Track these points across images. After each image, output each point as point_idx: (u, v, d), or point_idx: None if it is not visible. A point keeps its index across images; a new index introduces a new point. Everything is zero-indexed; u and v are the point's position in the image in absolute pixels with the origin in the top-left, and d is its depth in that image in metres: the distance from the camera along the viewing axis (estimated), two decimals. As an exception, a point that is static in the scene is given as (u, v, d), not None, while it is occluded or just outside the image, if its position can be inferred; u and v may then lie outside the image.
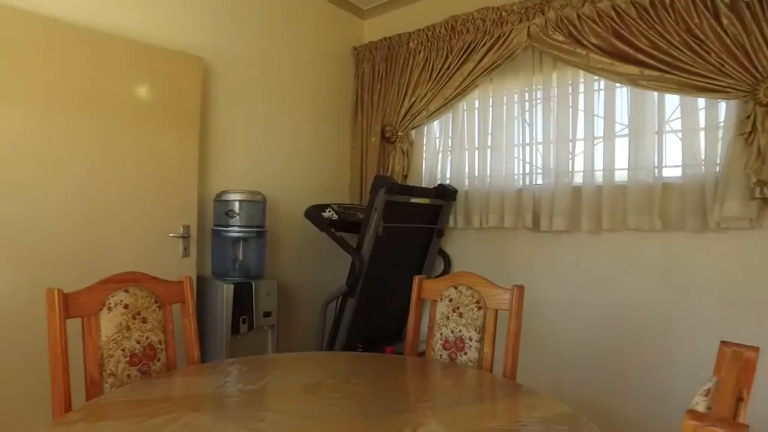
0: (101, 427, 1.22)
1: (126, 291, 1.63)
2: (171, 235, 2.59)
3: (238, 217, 2.73)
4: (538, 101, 3.08)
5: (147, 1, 2.67)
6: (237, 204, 2.73)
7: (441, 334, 1.96)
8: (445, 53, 3.40)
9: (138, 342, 1.62)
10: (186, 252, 2.64)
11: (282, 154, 3.39)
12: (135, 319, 1.62)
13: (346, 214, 3.12)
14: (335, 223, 3.03)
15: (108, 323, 1.56)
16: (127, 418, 1.27)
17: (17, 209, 2.16)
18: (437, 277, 2.31)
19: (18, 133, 2.17)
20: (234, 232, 2.74)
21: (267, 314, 2.78)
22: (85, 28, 2.37)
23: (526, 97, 3.13)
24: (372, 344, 3.11)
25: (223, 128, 3.03)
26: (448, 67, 3.35)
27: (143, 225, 2.50)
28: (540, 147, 3.05)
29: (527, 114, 3.12)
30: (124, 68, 2.47)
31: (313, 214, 2.97)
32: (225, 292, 2.60)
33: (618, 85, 2.71)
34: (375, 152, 3.73)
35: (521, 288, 1.84)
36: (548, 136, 2.99)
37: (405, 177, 3.66)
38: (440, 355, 1.95)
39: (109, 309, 1.57)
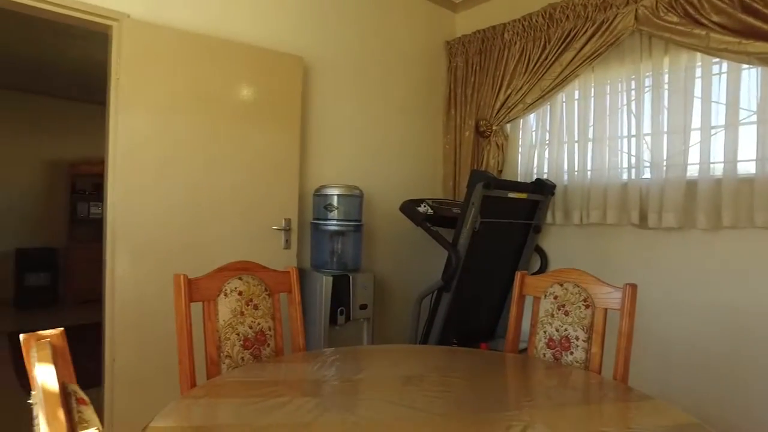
0: (223, 404, 1.31)
1: (240, 279, 1.74)
2: (274, 227, 2.73)
3: (336, 211, 2.81)
4: (647, 89, 2.87)
5: (252, 7, 2.83)
6: (335, 198, 2.82)
7: (545, 332, 1.89)
8: (542, 43, 3.27)
9: (250, 327, 1.72)
10: (287, 244, 2.77)
11: (376, 150, 3.44)
12: (248, 305, 1.73)
13: (441, 209, 3.10)
14: (430, 217, 3.03)
15: (225, 308, 1.68)
16: (245, 398, 1.35)
17: (143, 204, 2.38)
18: (535, 273, 2.23)
19: (145, 134, 2.39)
20: (332, 225, 2.83)
21: (363, 307, 2.84)
22: (200, 35, 2.56)
23: (633, 86, 2.93)
24: (466, 340, 3.08)
25: (321, 125, 3.14)
26: (546, 58, 3.22)
27: (249, 218, 2.66)
28: (648, 138, 2.84)
29: (633, 103, 2.92)
30: (233, 70, 2.64)
31: (409, 208, 2.99)
32: (324, 283, 2.69)
33: (745, 66, 2.46)
34: (469, 147, 3.68)
35: (634, 287, 1.73)
36: (658, 126, 2.78)
37: (500, 172, 3.58)
38: (543, 354, 1.88)
39: (226, 295, 1.69)
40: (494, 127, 3.54)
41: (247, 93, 2.68)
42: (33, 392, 0.64)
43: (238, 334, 1.68)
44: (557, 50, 3.16)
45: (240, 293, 1.72)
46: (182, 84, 2.48)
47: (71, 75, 5.95)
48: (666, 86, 2.77)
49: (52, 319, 6.01)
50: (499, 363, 1.80)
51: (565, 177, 3.24)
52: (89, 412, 0.64)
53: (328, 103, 3.17)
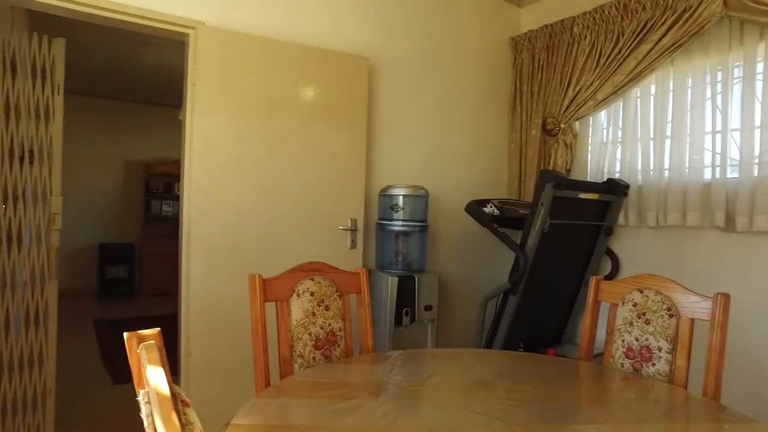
0: (298, 404, 1.34)
1: (312, 279, 1.77)
2: (340, 227, 2.76)
3: (402, 211, 2.81)
4: (736, 80, 2.67)
5: (319, 9, 2.87)
6: (401, 198, 2.82)
7: (623, 341, 1.80)
8: (615, 36, 3.11)
9: (322, 328, 1.74)
10: (353, 244, 2.79)
11: (440, 149, 3.41)
12: (319, 306, 1.75)
13: (507, 210, 3.03)
14: (496, 218, 2.96)
15: (297, 308, 1.71)
16: (319, 399, 1.37)
17: (216, 203, 2.47)
18: (605, 277, 2.13)
19: (218, 136, 2.48)
20: (398, 225, 2.83)
21: (428, 308, 2.82)
22: (269, 39, 2.62)
23: (719, 77, 2.73)
24: (532, 344, 3.00)
25: (386, 125, 3.14)
26: (620, 51, 3.07)
27: (316, 218, 2.71)
28: (736, 134, 2.64)
29: (719, 97, 2.73)
30: (301, 73, 2.69)
31: (475, 209, 2.94)
32: (390, 284, 2.70)
33: None
34: (535, 145, 3.57)
35: (726, 296, 1.61)
36: (749, 121, 2.58)
37: (568, 171, 3.45)
38: (621, 364, 1.79)
39: (298, 295, 1.72)
40: (562, 125, 3.42)
41: (315, 94, 2.73)
42: (142, 391, 0.67)
43: (309, 334, 1.71)
44: (632, 43, 3.00)
45: (312, 294, 1.75)
46: (253, 87, 2.55)
47: (146, 81, 6.29)
48: (760, 76, 2.57)
49: (129, 308, 6.40)
50: (573, 371, 1.73)
51: (639, 177, 3.07)
52: (192, 414, 0.67)
53: (392, 102, 3.17)
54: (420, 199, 2.88)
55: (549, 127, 3.48)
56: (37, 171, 2.65)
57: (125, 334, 0.87)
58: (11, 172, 2.55)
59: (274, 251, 2.59)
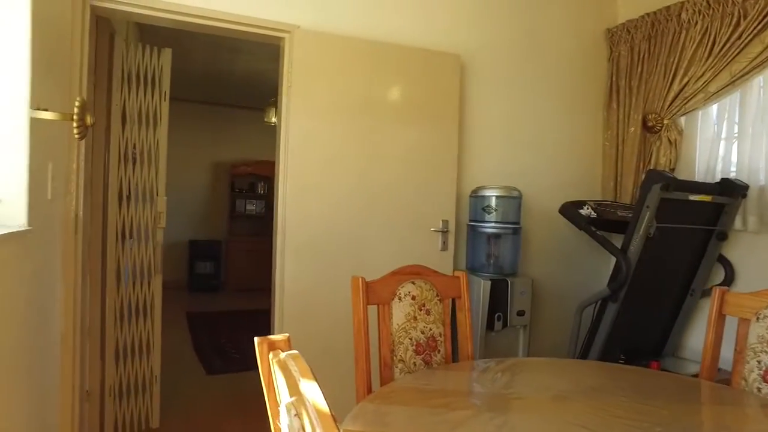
0: (405, 411, 1.31)
1: (413, 283, 1.74)
2: (432, 229, 2.72)
3: (494, 212, 2.72)
4: None
5: (409, 8, 2.84)
6: (493, 200, 2.73)
7: (759, 362, 1.62)
8: (734, 20, 2.83)
9: (422, 333, 1.71)
10: (444, 246, 2.74)
11: (530, 149, 3.27)
12: (420, 310, 1.72)
13: (605, 212, 2.86)
14: (593, 221, 2.80)
15: (398, 312, 1.68)
16: (427, 407, 1.33)
17: (309, 203, 2.52)
18: (716, 287, 1.93)
19: (311, 137, 2.52)
20: (490, 227, 2.75)
21: (520, 313, 2.72)
22: (361, 39, 2.63)
23: None
24: (632, 356, 2.80)
25: (476, 124, 3.06)
26: (740, 36, 2.79)
27: (407, 218, 2.68)
28: None
29: None
30: (392, 72, 2.67)
31: (570, 210, 2.80)
32: (482, 287, 2.62)
33: None
34: (634, 143, 3.34)
35: None
36: None
37: (672, 171, 3.19)
38: (757, 388, 1.61)
39: (400, 299, 1.70)
40: (665, 121, 3.17)
41: (408, 94, 2.70)
42: (287, 400, 0.66)
43: (410, 339, 1.68)
44: (756, 26, 2.72)
45: (413, 298, 1.72)
46: (345, 88, 2.57)
47: (235, 86, 6.60)
48: None
49: (216, 302, 6.73)
50: (699, 391, 1.58)
51: (761, 176, 2.78)
52: None
53: (482, 100, 3.08)
54: (513, 200, 2.77)
55: (650, 124, 3.24)
56: (146, 172, 2.82)
57: (256, 339, 0.87)
58: (125, 173, 2.74)
59: (366, 252, 2.60)
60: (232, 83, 6.48)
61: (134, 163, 2.78)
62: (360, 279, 1.61)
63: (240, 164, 7.63)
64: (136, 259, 2.80)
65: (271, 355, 0.80)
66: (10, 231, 1.46)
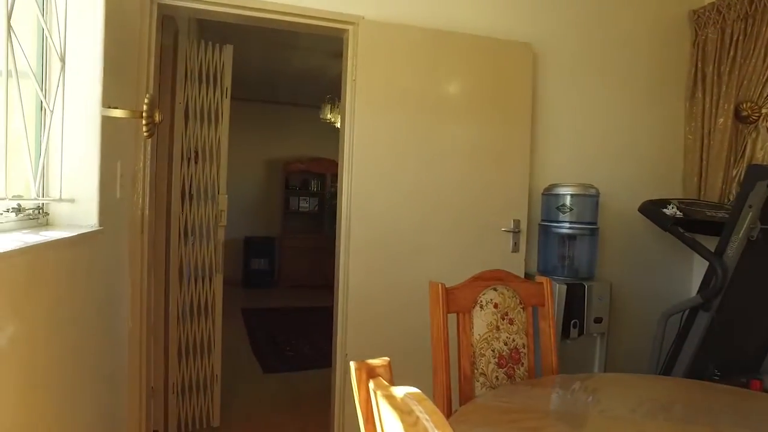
0: (501, 435, 1.18)
1: (495, 290, 1.60)
2: (503, 229, 2.55)
3: (570, 212, 2.53)
4: None
5: (477, -5, 2.69)
6: (568, 198, 2.54)
7: None
8: None
9: (505, 344, 1.57)
10: (515, 247, 2.58)
11: (604, 143, 3.03)
12: (503, 319, 1.58)
13: (692, 211, 2.61)
14: (679, 221, 2.55)
15: (480, 321, 1.55)
16: (521, 430, 1.19)
17: (373, 199, 2.41)
18: None
19: (376, 131, 2.41)
20: (564, 228, 2.56)
21: (598, 320, 2.52)
22: (426, 29, 2.49)
23: None
24: (727, 372, 2.54)
25: (547, 116, 2.85)
26: None
27: (475, 218, 2.53)
28: None
29: None
30: (459, 62, 2.53)
31: (652, 210, 2.57)
32: (557, 292, 2.44)
33: None
34: (723, 136, 3.04)
35: None
36: None
37: (770, 165, 2.89)
38: None
39: (481, 307, 1.56)
40: (764, 110, 2.87)
41: (475, 85, 2.55)
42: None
43: (493, 351, 1.54)
44: None
45: (496, 306, 1.58)
46: (410, 80, 2.45)
47: (289, 83, 6.62)
48: None
49: (271, 299, 6.79)
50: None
51: None
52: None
53: (554, 91, 2.88)
54: (590, 198, 2.57)
55: (744, 114, 2.94)
56: (207, 170, 2.80)
57: (352, 364, 0.76)
58: (188, 171, 2.72)
59: (432, 253, 2.47)
60: (287, 81, 6.51)
61: (196, 161, 2.76)
62: (440, 285, 1.48)
63: (294, 161, 7.66)
64: (198, 258, 2.79)
65: (372, 385, 0.69)
66: (83, 232, 1.43)
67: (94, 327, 1.57)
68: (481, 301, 1.57)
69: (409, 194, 2.44)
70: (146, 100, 1.50)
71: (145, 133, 1.52)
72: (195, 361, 2.80)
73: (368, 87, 2.38)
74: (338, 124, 5.64)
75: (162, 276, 2.60)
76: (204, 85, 2.77)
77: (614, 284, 2.76)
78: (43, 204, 1.47)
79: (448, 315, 1.51)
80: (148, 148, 2.14)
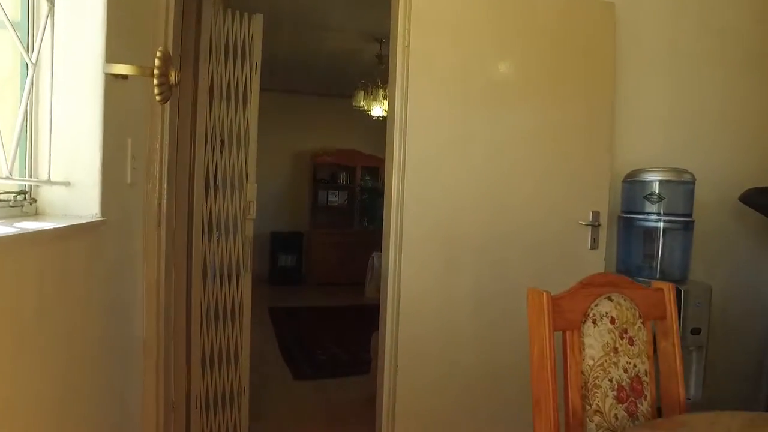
0: None
1: (610, 299, 1.22)
2: (581, 222, 2.16)
3: (660, 202, 2.13)
4: None
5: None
6: (657, 185, 2.13)
7: None
8: None
9: (625, 371, 1.19)
10: (594, 243, 2.18)
11: (698, 123, 2.59)
12: (622, 338, 1.20)
13: (806, 202, 2.18)
14: (792, 213, 2.13)
15: (594, 341, 1.17)
16: None
17: (428, 193, 2.05)
18: None
19: (431, 108, 2.04)
20: (652, 220, 2.16)
21: (695, 331, 2.11)
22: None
23: None
24: None
25: (631, 89, 2.41)
26: None
27: (549, 210, 2.15)
28: None
29: None
30: (528, 26, 2.14)
31: (759, 200, 2.14)
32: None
33: None
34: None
35: None
36: None
37: None
38: None
39: (594, 322, 1.18)
40: None
41: (547, 53, 2.16)
42: None
43: (610, 380, 1.17)
44: None
45: (612, 320, 1.20)
46: (473, 45, 2.07)
47: (317, 72, 6.31)
48: None
49: (299, 297, 6.51)
50: None
51: None
52: None
53: (637, 60, 2.44)
54: (684, 186, 2.16)
55: None
56: (234, 156, 2.48)
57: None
58: (212, 157, 2.41)
59: (499, 252, 2.09)
60: (316, 68, 6.21)
61: (222, 146, 2.44)
62: (544, 294, 1.11)
63: (321, 153, 7.34)
64: (224, 255, 2.47)
65: None
66: (80, 222, 1.11)
67: (96, 338, 1.26)
68: (594, 315, 1.19)
69: (473, 183, 2.07)
70: (158, 54, 1.16)
71: (157, 96, 1.19)
72: (220, 372, 2.48)
73: (424, 55, 2.01)
74: (372, 112, 5.32)
75: (183, 275, 2.29)
76: (231, 59, 2.44)
77: (715, 287, 2.33)
78: (29, 188, 1.15)
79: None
80: (167, 125, 1.81)
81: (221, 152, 2.43)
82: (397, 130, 2.06)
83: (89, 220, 1.17)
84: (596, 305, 1.19)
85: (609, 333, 1.18)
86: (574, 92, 2.17)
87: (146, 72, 1.16)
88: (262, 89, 2.53)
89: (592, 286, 1.21)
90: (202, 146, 2.35)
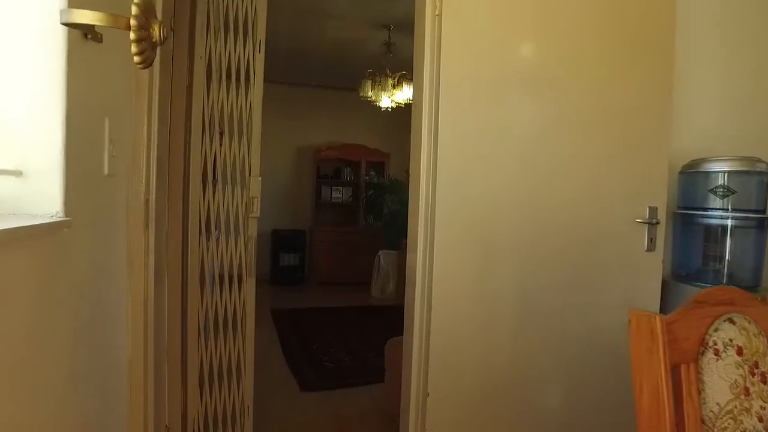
0: None
1: (731, 322, 0.93)
2: (637, 220, 1.87)
3: (728, 196, 1.84)
4: None
5: None
6: (725, 177, 1.85)
7: None
8: None
9: (760, 419, 0.90)
10: (651, 244, 1.88)
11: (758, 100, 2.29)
12: (753, 375, 0.91)
13: None
14: None
15: (718, 380, 0.89)
16: None
17: (465, 180, 1.75)
18: None
19: (468, 91, 1.75)
20: (717, 217, 1.87)
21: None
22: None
23: None
24: None
25: (690, 62, 2.11)
26: None
27: (600, 205, 1.85)
28: None
29: None
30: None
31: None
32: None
33: None
34: None
35: None
36: None
37: None
38: None
39: (717, 354, 0.90)
40: None
41: (596, 22, 1.86)
42: None
43: None
44: None
45: (739, 351, 0.91)
46: (509, 20, 1.77)
47: (322, 63, 6.02)
48: None
49: (302, 298, 6.23)
50: None
51: None
52: None
53: (699, 26, 2.11)
54: (757, 178, 1.87)
55: None
56: (235, 146, 2.19)
57: None
58: (210, 147, 2.12)
59: (541, 254, 1.80)
60: (318, 59, 5.91)
61: (221, 135, 2.15)
62: (657, 318, 0.82)
63: (325, 148, 7.04)
64: (224, 258, 2.18)
65: None
66: (32, 224, 0.82)
67: (58, 370, 0.97)
68: (714, 343, 0.90)
69: (514, 177, 1.76)
70: (136, 1, 0.87)
71: (136, 58, 0.90)
72: (221, 389, 2.20)
73: (461, 21, 1.71)
74: (380, 103, 5.01)
75: (178, 282, 2.01)
76: (231, 36, 2.14)
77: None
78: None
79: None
80: (155, 105, 1.52)
81: (221, 142, 2.14)
82: (426, 117, 1.77)
83: (47, 221, 0.88)
84: (715, 330, 0.91)
85: (737, 368, 0.89)
86: (627, 68, 1.88)
87: (120, 23, 0.87)
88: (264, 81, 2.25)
89: (707, 305, 0.93)
90: (199, 134, 2.06)
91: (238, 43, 2.15)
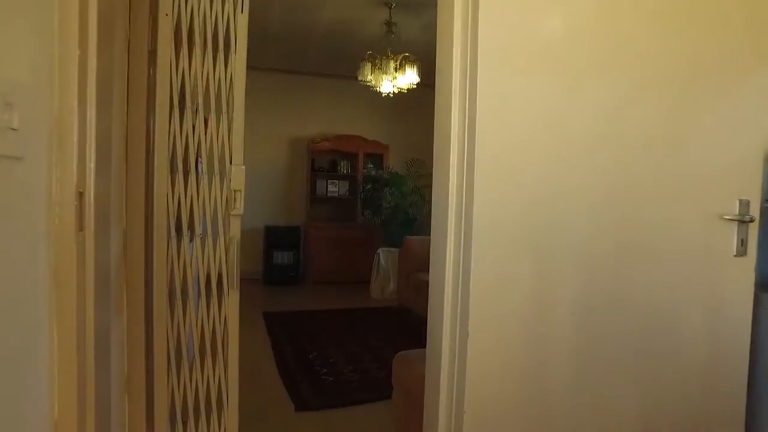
0: None
1: None
2: (725, 217, 1.47)
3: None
4: None
5: None
6: (835, 162, 1.45)
7: None
8: None
9: None
10: (742, 247, 1.49)
11: None
12: None
13: None
14: None
15: None
16: None
17: (511, 172, 1.35)
18: None
19: (519, 64, 1.34)
20: (825, 215, 1.48)
21: None
22: None
23: None
24: None
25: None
26: None
27: (678, 198, 1.46)
28: None
29: None
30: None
31: None
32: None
33: None
34: None
35: None
36: None
37: None
38: None
39: None
40: None
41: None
42: None
43: None
44: None
45: None
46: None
47: (317, 48, 5.64)
48: None
49: (297, 299, 5.85)
50: None
51: None
52: None
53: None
54: None
55: None
56: (212, 128, 1.77)
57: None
58: (181, 128, 1.70)
59: (605, 255, 1.41)
60: (312, 44, 5.51)
61: (195, 113, 1.73)
62: None
63: (319, 139, 6.61)
64: (200, 266, 1.77)
65: None
66: None
67: None
68: None
69: (575, 165, 1.36)
70: None
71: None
72: (198, 427, 1.79)
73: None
74: (381, 88, 4.58)
75: (140, 299, 1.60)
76: (205, -10, 1.72)
77: None
78: None
79: None
80: (93, 60, 1.10)
81: (195, 120, 1.73)
82: (455, 97, 1.36)
83: None
84: None
85: None
86: (706, 26, 1.48)
87: None
88: (250, 68, 1.82)
89: None
90: (165, 112, 1.64)
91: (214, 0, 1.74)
